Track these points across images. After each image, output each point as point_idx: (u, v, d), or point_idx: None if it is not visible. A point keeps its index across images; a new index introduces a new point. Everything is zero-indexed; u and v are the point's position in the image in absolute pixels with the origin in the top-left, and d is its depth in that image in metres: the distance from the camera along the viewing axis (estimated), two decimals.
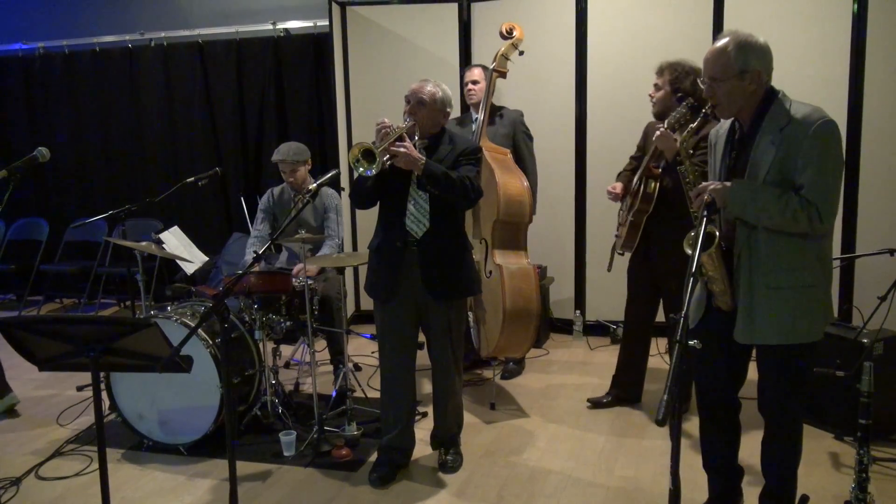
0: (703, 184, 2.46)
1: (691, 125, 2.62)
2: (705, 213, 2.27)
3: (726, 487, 2.76)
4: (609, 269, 4.01)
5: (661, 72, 3.69)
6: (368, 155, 2.87)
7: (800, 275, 2.36)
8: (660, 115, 3.69)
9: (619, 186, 3.88)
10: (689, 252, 2.43)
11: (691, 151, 3.50)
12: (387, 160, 2.94)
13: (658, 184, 3.66)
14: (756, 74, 2.34)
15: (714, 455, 2.73)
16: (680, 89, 3.60)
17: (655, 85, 3.70)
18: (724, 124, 2.56)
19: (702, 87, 2.48)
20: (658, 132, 3.48)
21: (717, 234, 2.38)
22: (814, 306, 2.38)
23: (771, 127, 2.34)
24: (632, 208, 3.76)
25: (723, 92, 2.37)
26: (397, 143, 2.94)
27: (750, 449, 2.82)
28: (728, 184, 2.41)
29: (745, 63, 2.32)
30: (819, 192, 2.26)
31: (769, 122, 2.35)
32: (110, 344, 2.22)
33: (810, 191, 2.26)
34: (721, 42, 2.36)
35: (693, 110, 3.34)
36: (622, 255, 3.95)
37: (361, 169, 2.87)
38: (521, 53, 4.34)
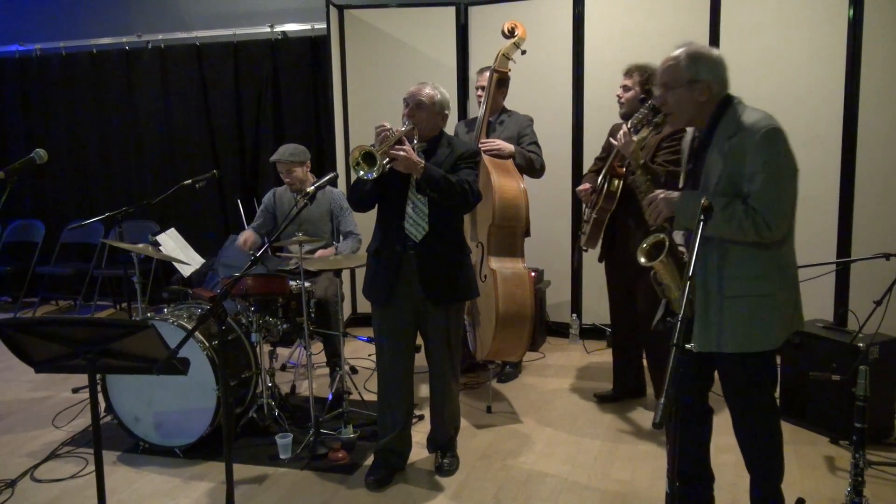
0: (655, 192, 2.50)
1: (642, 134, 2.65)
2: (703, 217, 2.27)
3: (691, 492, 2.75)
4: (573, 266, 4.06)
5: (629, 73, 3.77)
6: (369, 158, 2.87)
7: (755, 284, 2.36)
8: (627, 116, 3.74)
9: (588, 186, 3.92)
10: (643, 261, 2.46)
11: (649, 159, 3.57)
12: (386, 164, 2.94)
13: (621, 183, 3.71)
14: (706, 85, 2.37)
15: (683, 460, 2.71)
16: (652, 91, 3.68)
17: (624, 86, 3.78)
18: (690, 131, 2.60)
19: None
20: (619, 135, 3.53)
21: (667, 241, 2.41)
22: (770, 315, 2.38)
23: (721, 136, 2.36)
24: (595, 206, 3.81)
25: (673, 100, 2.42)
26: (397, 146, 2.95)
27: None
28: (675, 195, 2.44)
29: (696, 73, 2.36)
30: (765, 200, 2.26)
31: (720, 131, 2.37)
32: (107, 346, 2.22)
33: (756, 199, 2.27)
34: (675, 52, 2.41)
35: (654, 110, 3.41)
36: (586, 251, 4.03)
37: (361, 172, 2.87)
38: (524, 53, 4.31)
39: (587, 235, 3.89)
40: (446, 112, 3.22)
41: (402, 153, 2.93)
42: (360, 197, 3.17)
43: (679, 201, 2.41)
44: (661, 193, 2.47)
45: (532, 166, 4.28)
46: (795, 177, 2.36)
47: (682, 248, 2.58)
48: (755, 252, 2.35)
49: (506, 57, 4.25)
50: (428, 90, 3.14)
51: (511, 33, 4.26)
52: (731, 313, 2.37)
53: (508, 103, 4.45)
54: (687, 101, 2.39)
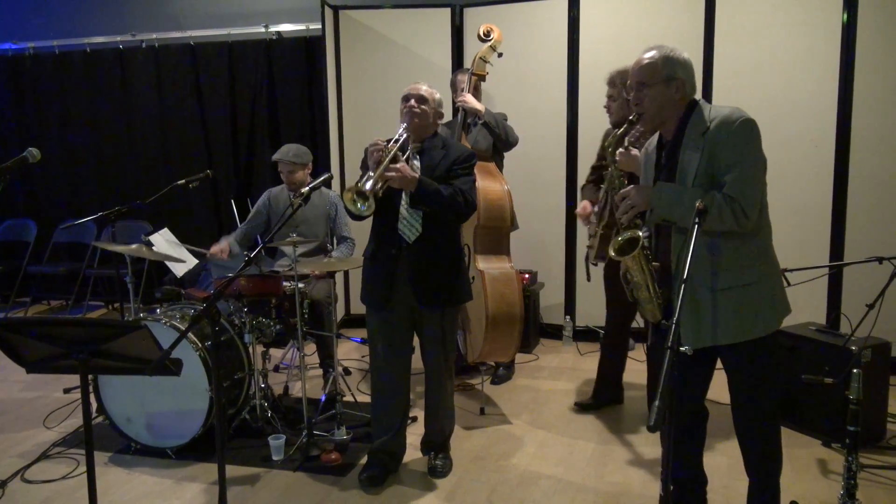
0: (628, 188, 2.51)
1: (616, 130, 2.64)
2: (697, 220, 2.26)
3: (689, 496, 2.74)
4: (588, 279, 4.06)
5: (612, 82, 3.77)
6: (362, 196, 2.91)
7: (740, 274, 2.39)
8: (618, 124, 3.71)
9: (587, 206, 3.90)
10: (613, 255, 2.47)
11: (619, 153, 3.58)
12: (381, 187, 2.96)
13: None
14: (681, 83, 2.43)
15: (677, 464, 2.70)
16: None
17: (611, 96, 3.77)
18: (652, 141, 2.62)
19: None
20: (619, 154, 3.53)
21: (642, 236, 2.42)
22: (759, 302, 2.41)
23: (693, 133, 2.40)
24: (601, 220, 3.78)
25: (649, 98, 2.44)
26: (391, 166, 2.96)
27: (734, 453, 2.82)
28: (649, 187, 2.47)
29: (672, 71, 2.42)
30: (740, 188, 2.30)
31: (691, 128, 2.41)
32: (99, 346, 2.21)
33: (732, 187, 2.31)
34: (648, 53, 2.46)
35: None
36: (595, 265, 3.98)
37: (359, 205, 2.92)
38: (501, 55, 4.34)
39: (595, 250, 3.85)
40: (441, 111, 3.23)
41: (394, 174, 2.95)
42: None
43: (654, 193, 2.43)
44: (634, 187, 2.49)
45: (506, 132, 4.32)
46: (766, 168, 2.41)
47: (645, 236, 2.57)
48: (737, 244, 2.38)
49: (483, 60, 4.30)
50: (426, 87, 3.18)
51: (487, 36, 4.30)
52: (720, 305, 2.39)
53: (502, 104, 4.46)
54: (663, 98, 2.43)
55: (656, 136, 2.59)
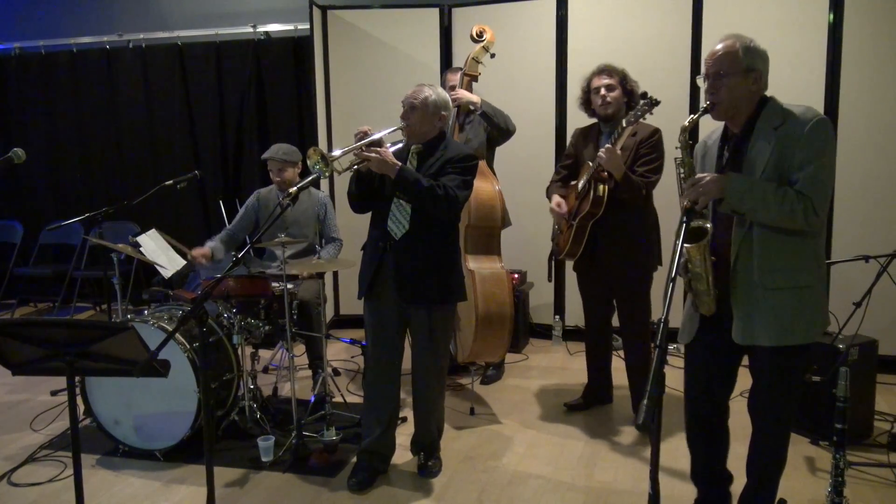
0: (699, 175, 2.43)
1: (692, 116, 2.59)
2: (685, 218, 2.25)
3: (714, 494, 2.75)
4: (550, 279, 4.03)
5: (609, 73, 3.75)
6: (324, 159, 2.94)
7: (797, 275, 2.36)
8: (611, 117, 3.72)
9: (563, 203, 3.87)
10: (678, 242, 2.43)
11: (628, 166, 3.61)
12: (360, 165, 3.01)
13: (606, 187, 3.65)
14: (759, 75, 2.39)
15: (700, 463, 2.72)
16: (632, 89, 3.73)
17: (609, 86, 3.73)
18: (713, 135, 2.57)
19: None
20: (603, 151, 3.54)
21: (709, 227, 2.37)
22: (809, 307, 2.38)
23: (765, 127, 2.37)
24: (578, 213, 3.74)
25: (726, 88, 2.38)
26: (372, 148, 2.99)
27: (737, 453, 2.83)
28: (722, 176, 2.40)
29: (752, 62, 2.37)
30: (813, 186, 2.28)
31: (763, 122, 2.38)
32: (86, 348, 2.19)
33: (805, 184, 2.28)
34: (728, 41, 2.40)
35: (652, 104, 3.41)
36: (561, 259, 4.00)
37: (317, 167, 2.94)
38: (493, 56, 4.33)
39: (569, 244, 3.80)
40: (443, 112, 3.20)
41: (374, 155, 2.97)
42: (351, 199, 3.24)
43: (728, 182, 2.35)
44: (706, 176, 2.41)
45: (505, 120, 4.27)
46: (835, 168, 2.38)
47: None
48: (797, 243, 2.35)
49: (475, 61, 4.28)
50: (423, 92, 3.14)
51: (480, 37, 4.28)
52: (774, 305, 2.36)
53: (490, 103, 4.45)
54: (740, 89, 2.38)
55: (720, 128, 2.55)
